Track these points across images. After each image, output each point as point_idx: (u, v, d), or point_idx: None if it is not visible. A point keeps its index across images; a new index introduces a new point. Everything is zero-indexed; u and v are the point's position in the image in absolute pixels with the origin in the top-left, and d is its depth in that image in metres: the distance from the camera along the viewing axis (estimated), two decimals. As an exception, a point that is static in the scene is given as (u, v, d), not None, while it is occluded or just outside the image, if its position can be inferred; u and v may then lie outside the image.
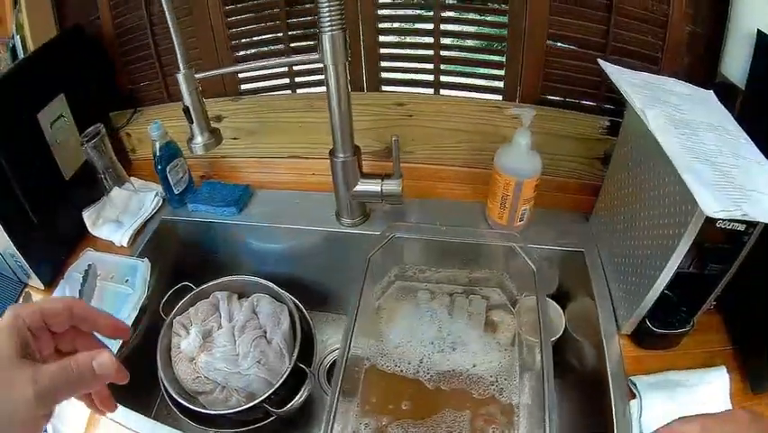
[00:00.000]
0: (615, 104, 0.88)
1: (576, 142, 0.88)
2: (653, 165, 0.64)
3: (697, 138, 0.60)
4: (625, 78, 0.68)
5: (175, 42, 0.63)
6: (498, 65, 0.89)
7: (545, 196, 0.84)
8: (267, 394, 0.74)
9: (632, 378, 0.66)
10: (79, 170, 0.85)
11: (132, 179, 0.92)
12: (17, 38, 0.82)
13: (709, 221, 0.53)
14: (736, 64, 0.75)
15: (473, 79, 0.91)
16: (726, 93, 0.73)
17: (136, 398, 0.69)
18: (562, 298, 0.85)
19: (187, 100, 0.68)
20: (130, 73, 0.97)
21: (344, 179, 0.77)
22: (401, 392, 0.75)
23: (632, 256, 0.70)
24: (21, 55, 0.83)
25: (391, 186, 0.77)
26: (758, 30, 0.70)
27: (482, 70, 0.91)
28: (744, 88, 0.74)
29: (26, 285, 0.81)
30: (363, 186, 0.77)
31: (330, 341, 0.95)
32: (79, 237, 0.86)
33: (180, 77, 0.66)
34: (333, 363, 0.92)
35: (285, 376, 0.76)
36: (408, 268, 0.82)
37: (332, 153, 0.75)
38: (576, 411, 0.79)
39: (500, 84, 0.90)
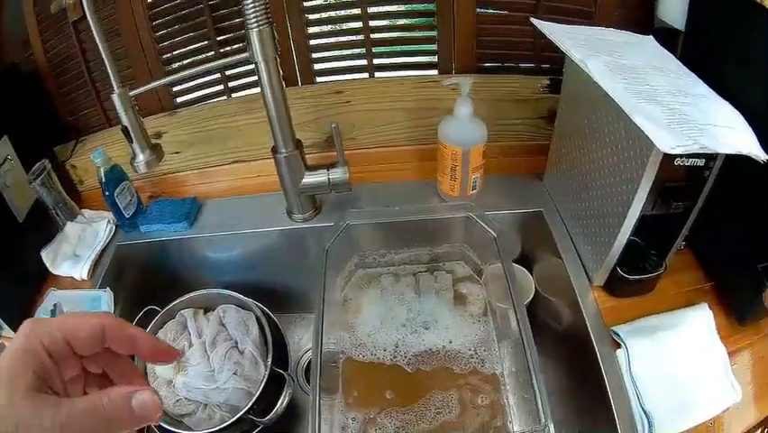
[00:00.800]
0: (552, 62, 0.85)
1: (519, 104, 0.84)
2: (600, 115, 0.62)
3: (643, 81, 0.59)
4: (561, 33, 0.64)
5: (106, 63, 0.60)
6: (429, 40, 0.84)
7: (496, 162, 0.81)
8: (249, 405, 0.70)
9: (613, 328, 0.64)
10: (32, 210, 0.81)
11: (83, 210, 0.87)
12: None
13: (668, 159, 0.51)
14: (671, 7, 0.72)
15: (407, 58, 0.87)
16: (665, 37, 0.70)
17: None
18: (527, 261, 0.83)
19: (125, 120, 0.65)
20: (69, 104, 0.93)
21: (290, 174, 0.73)
22: (382, 380, 0.71)
23: (592, 208, 0.67)
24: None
25: (338, 174, 0.73)
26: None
27: (415, 47, 0.86)
28: (683, 30, 0.71)
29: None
30: (310, 178, 0.73)
31: (302, 341, 0.92)
32: (42, 277, 0.82)
33: (115, 97, 0.63)
34: (309, 364, 0.87)
35: (263, 383, 0.72)
36: (368, 254, 0.78)
37: (274, 151, 0.71)
38: (562, 370, 0.76)
39: (435, 59, 0.85)
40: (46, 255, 0.81)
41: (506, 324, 0.74)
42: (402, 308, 0.76)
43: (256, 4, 0.59)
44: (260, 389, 0.71)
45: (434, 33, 0.84)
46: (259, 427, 0.73)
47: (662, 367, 0.60)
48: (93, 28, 0.58)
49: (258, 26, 0.60)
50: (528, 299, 0.78)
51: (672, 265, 0.65)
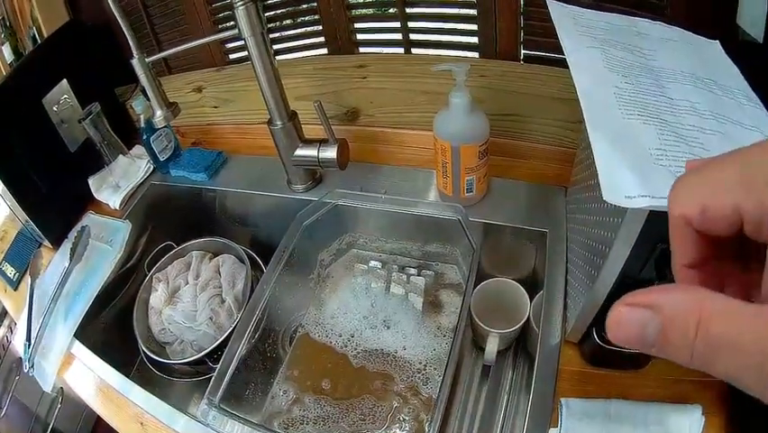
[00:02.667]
0: None
1: (559, 103, 0.71)
2: None
3: (659, 90, 0.42)
4: (570, 18, 0.50)
5: (125, 31, 0.64)
6: (470, 18, 0.73)
7: (525, 164, 0.69)
8: (208, 350, 0.73)
9: (563, 399, 0.49)
10: (84, 144, 0.91)
11: (136, 146, 0.95)
12: (34, 28, 0.87)
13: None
14: (750, 11, 0.52)
15: (446, 36, 0.76)
16: (746, 50, 0.53)
17: (118, 352, 0.75)
18: (531, 282, 0.69)
19: (144, 82, 0.69)
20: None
21: (283, 145, 0.71)
22: (325, 366, 0.69)
23: (586, 248, 0.53)
24: (38, 41, 0.89)
25: (327, 152, 0.69)
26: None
27: (454, 25, 0.76)
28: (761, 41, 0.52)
29: (41, 243, 0.90)
30: (301, 151, 0.71)
31: None
32: (87, 201, 0.93)
33: (134, 62, 0.67)
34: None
35: (226, 334, 0.73)
36: (359, 236, 0.74)
37: (269, 123, 0.70)
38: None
39: (475, 39, 0.75)
40: (92, 182, 0.91)
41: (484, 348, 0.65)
42: (367, 301, 0.71)
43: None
44: (222, 338, 0.73)
45: (474, 12, 0.73)
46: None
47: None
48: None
49: (243, 4, 0.60)
50: (519, 325, 0.67)
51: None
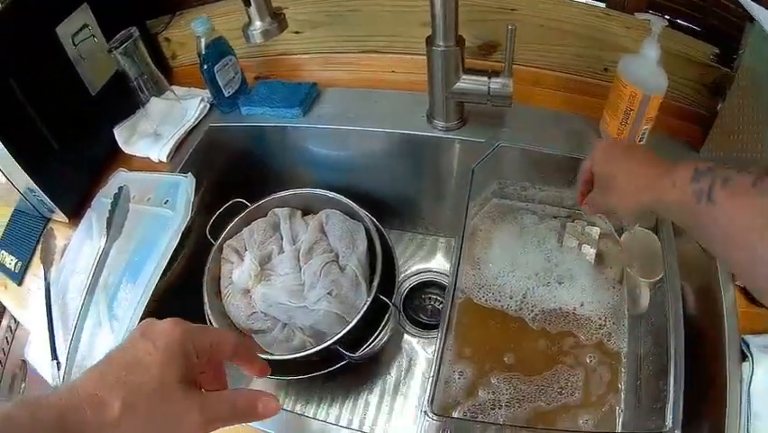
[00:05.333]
0: (723, 32, 0.70)
1: (686, 62, 0.69)
2: None
3: None
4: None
5: None
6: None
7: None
8: (340, 334, 0.55)
9: (744, 337, 0.50)
10: (108, 85, 0.68)
11: (173, 87, 0.70)
12: None
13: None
14: None
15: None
16: None
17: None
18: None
19: None
20: None
21: (444, 73, 0.58)
22: (501, 335, 0.57)
23: None
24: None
25: (499, 85, 0.57)
26: None
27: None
28: None
29: (49, 220, 0.65)
30: (467, 83, 0.58)
31: (408, 263, 0.75)
32: (110, 159, 0.69)
33: None
34: (412, 291, 0.73)
35: (363, 311, 0.56)
36: (509, 184, 0.63)
37: (429, 42, 0.56)
38: None
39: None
40: (119, 132, 0.68)
41: (636, 299, 0.59)
42: (540, 255, 0.61)
43: None
44: (358, 317, 0.56)
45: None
46: (344, 361, 0.58)
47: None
48: None
49: None
50: (658, 276, 0.63)
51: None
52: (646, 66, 0.57)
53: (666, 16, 0.73)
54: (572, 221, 0.63)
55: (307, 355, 0.55)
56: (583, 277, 0.61)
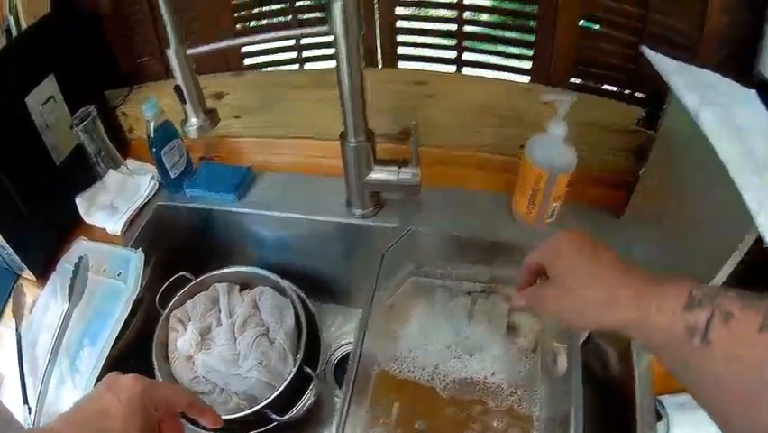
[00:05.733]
0: (649, 93, 0.71)
1: (609, 132, 0.72)
2: (699, 170, 0.49)
3: (749, 147, 0.44)
4: (672, 71, 0.51)
5: (164, 14, 0.48)
6: (527, 44, 0.72)
7: (573, 191, 0.69)
8: (268, 400, 0.62)
9: (659, 397, 0.53)
10: (72, 155, 0.72)
11: (128, 160, 0.78)
12: (11, 18, 0.66)
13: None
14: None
15: (499, 58, 0.74)
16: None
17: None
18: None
19: (179, 78, 0.54)
20: (128, 48, 0.82)
21: (357, 166, 0.63)
22: (414, 403, 0.62)
23: (669, 268, 0.54)
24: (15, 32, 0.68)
25: (408, 175, 0.62)
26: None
27: (510, 49, 0.73)
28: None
29: (19, 276, 0.71)
30: (377, 174, 0.63)
31: (335, 335, 0.82)
32: (74, 225, 0.74)
33: (170, 53, 0.52)
34: (340, 361, 0.78)
35: (288, 380, 0.64)
36: (425, 263, 0.68)
37: (342, 137, 0.60)
38: (595, 420, 0.64)
39: (528, 65, 0.73)
40: (81, 202, 0.73)
41: (553, 364, 0.64)
42: (450, 330, 0.66)
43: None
44: (284, 386, 0.62)
45: (531, 38, 0.72)
46: (274, 423, 0.64)
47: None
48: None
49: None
50: (580, 340, 0.68)
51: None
52: (554, 144, 0.59)
53: (592, 84, 0.76)
54: (486, 296, 0.68)
55: (244, 416, 0.61)
56: (495, 348, 0.66)
